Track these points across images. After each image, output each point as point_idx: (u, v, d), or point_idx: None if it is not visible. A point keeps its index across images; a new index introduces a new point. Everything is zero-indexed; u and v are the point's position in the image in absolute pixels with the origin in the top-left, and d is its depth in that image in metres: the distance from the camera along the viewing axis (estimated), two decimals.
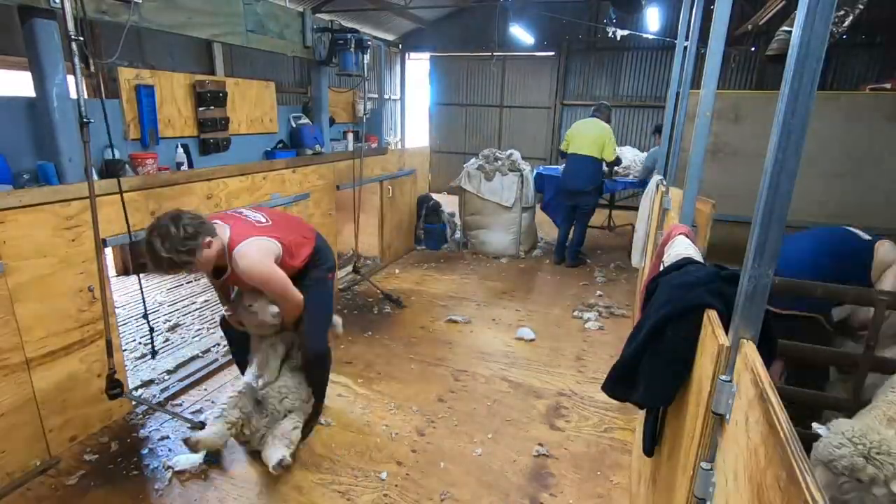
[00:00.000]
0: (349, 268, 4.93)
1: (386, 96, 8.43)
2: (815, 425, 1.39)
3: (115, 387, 2.28)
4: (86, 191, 2.25)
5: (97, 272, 2.35)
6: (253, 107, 4.41)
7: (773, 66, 7.50)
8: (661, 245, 2.03)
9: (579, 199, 5.47)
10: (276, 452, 2.26)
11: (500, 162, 5.86)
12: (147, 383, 3.07)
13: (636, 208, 4.58)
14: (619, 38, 7.35)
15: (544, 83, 9.77)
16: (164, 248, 1.90)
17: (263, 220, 2.33)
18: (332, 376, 2.82)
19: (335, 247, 4.10)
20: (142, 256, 2.19)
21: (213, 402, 2.89)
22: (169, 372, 3.20)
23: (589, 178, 5.36)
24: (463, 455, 2.52)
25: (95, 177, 3.04)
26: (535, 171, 6.27)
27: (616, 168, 5.95)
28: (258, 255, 2.12)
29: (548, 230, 7.02)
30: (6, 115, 2.70)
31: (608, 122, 5.48)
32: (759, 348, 0.91)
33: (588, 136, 5.29)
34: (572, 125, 5.57)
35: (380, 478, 2.34)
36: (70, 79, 2.47)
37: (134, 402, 2.75)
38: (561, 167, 5.89)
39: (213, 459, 2.40)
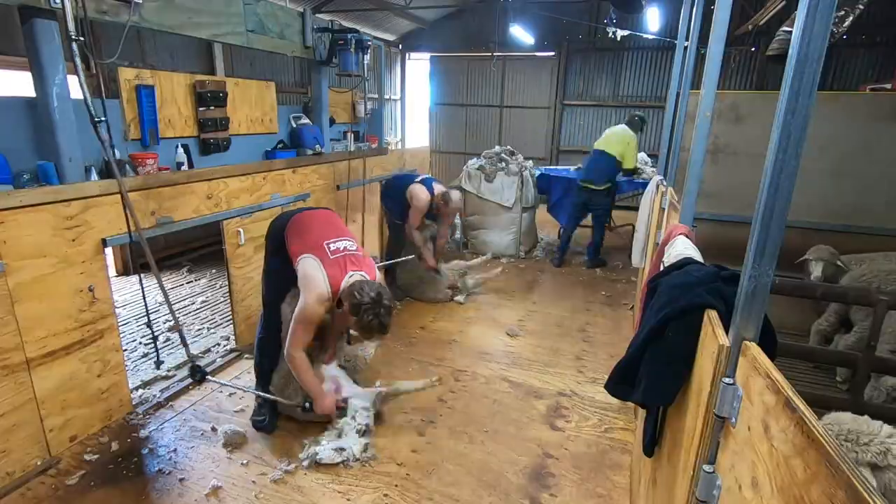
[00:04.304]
0: None
1: (386, 96, 8.43)
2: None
3: (197, 371, 2.44)
4: (85, 191, 2.26)
5: (147, 258, 2.41)
6: (253, 107, 4.41)
7: (773, 66, 7.51)
8: (661, 245, 2.04)
9: (591, 198, 5.47)
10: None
11: (504, 163, 5.87)
12: (147, 383, 3.07)
13: (636, 208, 4.58)
14: (619, 38, 7.36)
15: (544, 83, 9.77)
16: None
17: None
18: None
19: None
20: (142, 256, 2.21)
21: (215, 403, 2.90)
22: (169, 371, 3.20)
23: (602, 173, 5.39)
24: (463, 455, 2.52)
25: (95, 177, 3.06)
26: (537, 172, 6.27)
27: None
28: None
29: (548, 230, 7.03)
30: (6, 115, 2.70)
31: (637, 133, 5.49)
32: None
33: (612, 136, 5.46)
34: None
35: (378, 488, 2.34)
36: (71, 79, 2.48)
37: (214, 386, 3.00)
38: (564, 167, 5.87)
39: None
